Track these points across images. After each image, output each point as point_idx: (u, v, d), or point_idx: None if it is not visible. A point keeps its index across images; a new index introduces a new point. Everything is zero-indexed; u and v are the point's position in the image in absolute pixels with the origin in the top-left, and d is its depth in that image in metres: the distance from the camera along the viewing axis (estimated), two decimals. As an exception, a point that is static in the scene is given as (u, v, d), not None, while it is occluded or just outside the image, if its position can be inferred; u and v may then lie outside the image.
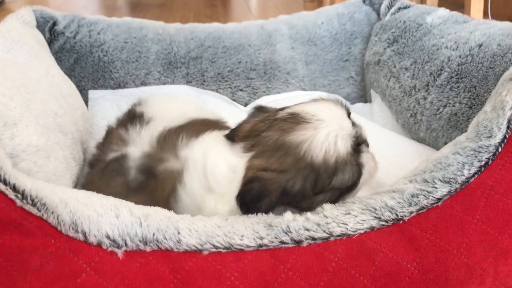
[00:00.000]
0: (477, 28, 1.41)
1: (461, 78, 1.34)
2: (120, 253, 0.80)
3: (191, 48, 1.78)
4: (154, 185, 1.10)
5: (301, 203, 0.99)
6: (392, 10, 1.80)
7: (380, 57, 1.70)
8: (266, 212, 0.95)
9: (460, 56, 1.37)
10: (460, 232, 0.91)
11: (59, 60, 1.70)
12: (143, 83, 1.75)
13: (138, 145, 1.18)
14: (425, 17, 1.61)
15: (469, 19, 1.53)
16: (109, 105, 1.70)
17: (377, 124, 1.63)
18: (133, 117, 1.31)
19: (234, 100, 1.79)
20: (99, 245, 0.79)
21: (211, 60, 1.78)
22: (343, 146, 0.96)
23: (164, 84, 1.76)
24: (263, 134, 1.02)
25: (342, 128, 0.98)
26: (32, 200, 0.73)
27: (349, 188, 1.02)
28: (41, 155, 1.03)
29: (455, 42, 1.42)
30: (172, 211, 1.03)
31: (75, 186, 1.26)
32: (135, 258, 0.81)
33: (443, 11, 1.60)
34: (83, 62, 1.73)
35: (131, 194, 1.12)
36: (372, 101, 1.76)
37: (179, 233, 0.85)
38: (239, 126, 1.11)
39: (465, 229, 0.91)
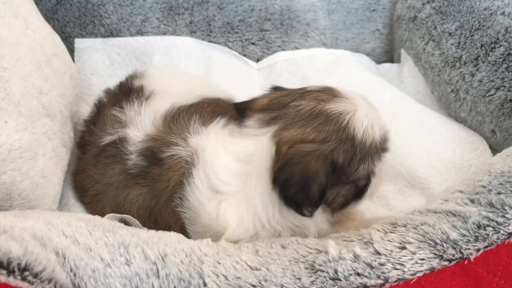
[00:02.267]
0: (542, -9, 1.19)
1: (522, 57, 1.14)
2: (134, 316, 0.64)
3: (196, -11, 1.51)
4: (157, 172, 0.93)
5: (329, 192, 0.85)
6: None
7: (416, 14, 1.46)
8: (320, 201, 0.81)
9: (521, 29, 1.16)
10: (534, 275, 0.77)
11: (37, 0, 1.42)
12: (139, 32, 1.49)
13: (139, 126, 1.01)
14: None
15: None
16: (99, 56, 1.46)
17: (406, 91, 1.44)
18: (128, 93, 1.10)
19: (244, 55, 1.55)
20: (108, 308, 0.63)
21: (218, 6, 1.51)
22: (378, 134, 0.86)
23: (164, 34, 1.50)
24: (291, 104, 0.87)
25: (378, 118, 0.88)
26: (22, 273, 0.55)
27: (359, 192, 0.90)
28: (26, 158, 0.83)
29: (515, 8, 1.20)
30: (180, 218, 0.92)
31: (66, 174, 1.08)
32: (152, 321, 0.66)
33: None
34: (67, 3, 1.46)
35: (130, 183, 0.97)
36: (401, 62, 1.55)
37: (205, 284, 0.69)
38: (253, 99, 0.94)
39: (539, 272, 0.78)
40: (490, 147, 1.21)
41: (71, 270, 0.61)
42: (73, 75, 1.24)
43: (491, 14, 1.25)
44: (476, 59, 1.24)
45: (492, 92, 1.18)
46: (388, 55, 1.68)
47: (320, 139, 0.81)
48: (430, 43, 1.40)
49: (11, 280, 0.54)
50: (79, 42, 1.45)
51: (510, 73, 1.15)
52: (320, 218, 0.90)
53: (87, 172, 1.04)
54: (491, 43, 1.21)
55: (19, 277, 0.54)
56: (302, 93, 0.88)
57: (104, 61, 1.45)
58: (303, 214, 0.82)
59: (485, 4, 1.28)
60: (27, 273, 0.55)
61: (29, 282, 0.55)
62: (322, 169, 0.79)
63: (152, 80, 1.13)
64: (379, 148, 0.87)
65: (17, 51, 0.99)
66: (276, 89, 0.97)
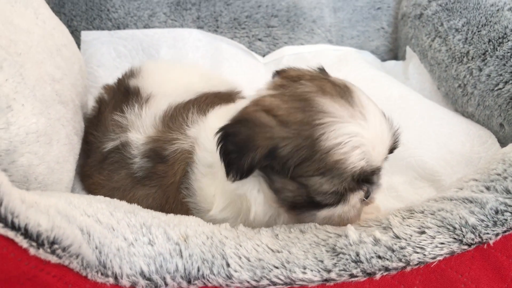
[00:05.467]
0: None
1: (530, 51, 1.15)
2: (158, 295, 0.64)
3: (203, -15, 1.51)
4: (163, 169, 0.93)
5: (275, 177, 0.78)
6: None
7: (422, 11, 1.48)
8: (247, 173, 0.75)
9: (529, 24, 1.17)
10: (553, 260, 0.78)
11: (45, -7, 1.41)
12: (147, 27, 1.49)
13: (140, 129, 1.00)
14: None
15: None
16: (105, 49, 1.46)
17: (412, 88, 1.44)
18: (126, 93, 1.10)
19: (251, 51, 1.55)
20: (133, 287, 0.62)
21: (226, 1, 1.52)
22: (358, 161, 0.74)
23: (171, 29, 1.51)
24: (301, 81, 0.80)
25: (374, 150, 0.76)
26: (51, 246, 0.54)
27: (316, 204, 0.79)
28: (42, 142, 0.82)
29: (522, 4, 1.21)
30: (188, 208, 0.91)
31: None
32: (177, 300, 0.65)
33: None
34: (74, -4, 1.45)
35: (137, 186, 0.96)
36: (406, 60, 1.56)
37: (228, 265, 0.69)
38: (288, 68, 0.90)
39: (558, 257, 0.78)
40: (499, 141, 1.22)
41: (96, 247, 0.60)
42: (82, 66, 1.23)
43: (498, 10, 1.26)
44: (483, 54, 1.25)
45: (500, 86, 1.19)
46: (392, 54, 1.69)
47: (283, 120, 0.74)
48: (437, 40, 1.41)
49: (40, 253, 0.53)
50: (85, 35, 1.45)
51: (519, 67, 1.16)
52: (259, 197, 0.82)
53: (93, 179, 1.03)
54: (499, 38, 1.23)
55: (48, 250, 0.54)
56: (322, 78, 0.83)
57: (111, 53, 1.44)
58: (227, 175, 0.76)
59: (492, 1, 1.29)
60: (56, 246, 0.54)
61: (57, 256, 0.55)
62: (262, 148, 0.73)
63: (148, 80, 1.12)
64: (354, 176, 0.75)
65: (29, 39, 0.99)
66: (278, 73, 0.90)
